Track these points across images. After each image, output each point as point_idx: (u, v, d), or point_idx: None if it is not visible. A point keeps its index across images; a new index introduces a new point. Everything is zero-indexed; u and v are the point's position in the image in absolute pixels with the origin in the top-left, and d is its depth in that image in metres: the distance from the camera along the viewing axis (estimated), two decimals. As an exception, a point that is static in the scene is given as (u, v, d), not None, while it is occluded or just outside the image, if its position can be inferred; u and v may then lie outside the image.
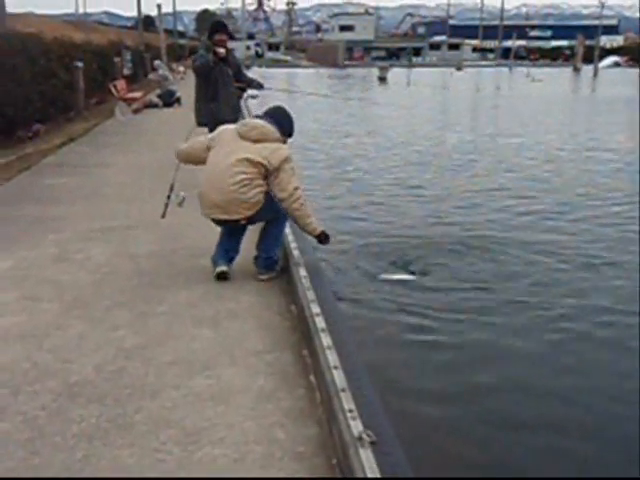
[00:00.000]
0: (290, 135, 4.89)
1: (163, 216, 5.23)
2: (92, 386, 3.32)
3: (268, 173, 4.58)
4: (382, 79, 39.69)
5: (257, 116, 4.92)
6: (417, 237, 6.96)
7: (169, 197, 5.21)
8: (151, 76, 18.55)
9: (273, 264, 4.85)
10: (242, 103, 9.30)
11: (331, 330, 3.52)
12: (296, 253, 4.89)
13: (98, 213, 6.75)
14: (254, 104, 10.28)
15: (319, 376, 3.24)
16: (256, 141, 4.61)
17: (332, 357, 3.23)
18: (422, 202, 8.74)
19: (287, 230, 5.20)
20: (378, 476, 2.37)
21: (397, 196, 9.06)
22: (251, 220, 4.73)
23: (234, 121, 8.19)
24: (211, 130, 7.94)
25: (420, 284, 5.58)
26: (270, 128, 4.66)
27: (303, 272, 4.45)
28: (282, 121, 4.79)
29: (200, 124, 7.98)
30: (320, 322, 3.65)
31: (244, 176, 4.53)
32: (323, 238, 4.82)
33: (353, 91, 31.85)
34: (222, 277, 4.73)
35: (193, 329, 3.99)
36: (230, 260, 4.84)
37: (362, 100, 23.60)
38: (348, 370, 3.09)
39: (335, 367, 3.11)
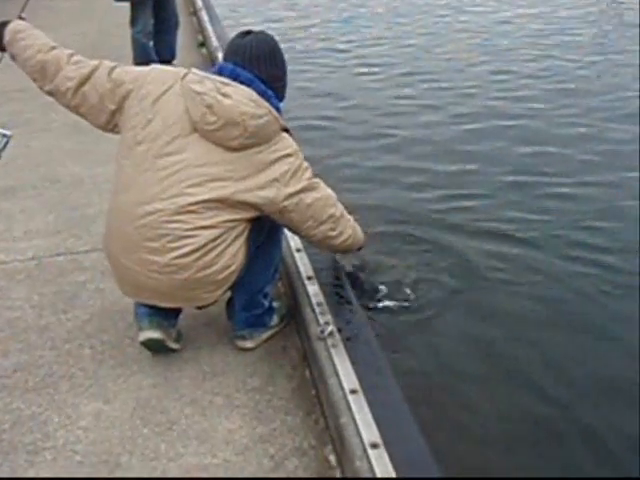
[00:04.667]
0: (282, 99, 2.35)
1: None
2: None
3: (264, 210, 2.18)
4: None
5: (225, 73, 2.18)
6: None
7: None
8: None
9: (263, 316, 2.42)
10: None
11: None
12: (313, 291, 2.43)
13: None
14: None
15: None
16: (237, 149, 2.11)
17: None
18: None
19: (289, 242, 2.74)
20: None
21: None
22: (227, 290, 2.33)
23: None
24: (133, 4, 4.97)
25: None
26: (260, 113, 2.09)
27: (348, 381, 1.95)
28: (275, 77, 2.24)
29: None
30: None
31: (212, 233, 2.11)
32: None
33: None
34: (156, 349, 2.34)
35: None
36: (173, 315, 2.38)
37: None
38: None
39: None
